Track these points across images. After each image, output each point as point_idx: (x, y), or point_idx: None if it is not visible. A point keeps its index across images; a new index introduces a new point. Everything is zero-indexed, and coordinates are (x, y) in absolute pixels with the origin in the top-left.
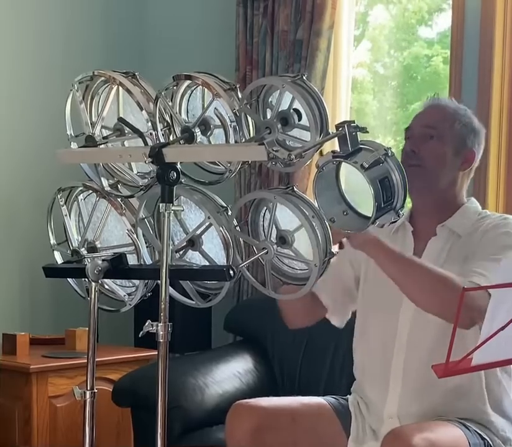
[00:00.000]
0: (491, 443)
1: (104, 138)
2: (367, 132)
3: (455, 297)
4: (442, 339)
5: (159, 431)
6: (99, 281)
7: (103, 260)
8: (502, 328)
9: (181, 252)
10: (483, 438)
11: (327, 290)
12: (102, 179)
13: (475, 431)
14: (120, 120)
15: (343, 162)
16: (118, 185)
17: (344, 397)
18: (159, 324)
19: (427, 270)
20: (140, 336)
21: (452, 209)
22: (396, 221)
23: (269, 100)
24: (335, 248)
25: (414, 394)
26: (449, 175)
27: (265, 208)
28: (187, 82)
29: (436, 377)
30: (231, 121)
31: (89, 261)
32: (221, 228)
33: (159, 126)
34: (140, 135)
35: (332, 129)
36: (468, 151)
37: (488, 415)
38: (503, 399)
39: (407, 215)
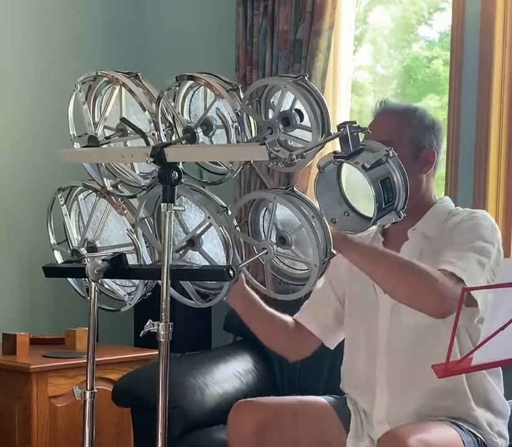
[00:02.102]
0: (484, 440)
1: (106, 138)
2: (369, 133)
3: (422, 283)
4: (418, 342)
5: (159, 431)
6: (99, 281)
7: (103, 260)
8: (502, 328)
9: (181, 252)
10: (475, 436)
11: (318, 320)
12: (104, 179)
13: (468, 429)
14: (123, 120)
15: (344, 163)
16: (119, 185)
17: (343, 396)
18: (160, 323)
19: (393, 259)
20: (141, 335)
21: (420, 212)
22: (396, 221)
23: (271, 100)
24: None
25: (400, 399)
26: (412, 180)
27: (265, 208)
28: (190, 82)
29: (418, 380)
30: (233, 122)
31: (89, 260)
32: (221, 228)
33: (161, 126)
34: (143, 135)
35: (333, 129)
36: (427, 151)
37: (475, 411)
38: (488, 393)
39: (379, 226)
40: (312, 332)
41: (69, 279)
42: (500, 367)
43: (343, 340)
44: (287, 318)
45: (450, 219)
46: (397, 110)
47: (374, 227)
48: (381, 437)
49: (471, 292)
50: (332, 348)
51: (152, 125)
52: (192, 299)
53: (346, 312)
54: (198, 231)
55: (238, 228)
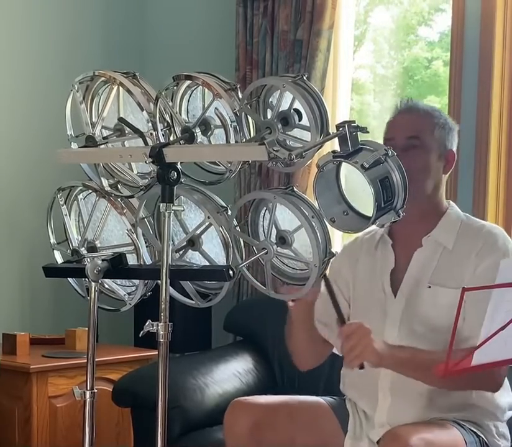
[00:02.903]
0: (486, 440)
1: (104, 138)
2: (367, 132)
3: (476, 384)
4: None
5: (159, 431)
6: (99, 281)
7: (103, 260)
8: (503, 328)
9: (181, 252)
10: (478, 436)
11: (329, 326)
12: (102, 179)
13: (470, 429)
14: (121, 120)
15: (343, 162)
16: (118, 185)
17: (342, 397)
18: (159, 324)
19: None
20: (140, 335)
21: (436, 216)
22: (396, 221)
23: (270, 100)
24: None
25: (403, 403)
26: (434, 181)
27: (265, 208)
28: (188, 82)
29: (421, 384)
30: (231, 122)
31: (89, 260)
32: (221, 228)
33: (159, 126)
34: (141, 135)
35: (332, 129)
36: (449, 152)
37: (478, 412)
38: (492, 397)
39: (386, 227)
40: (325, 338)
41: (69, 279)
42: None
43: None
44: None
45: (465, 232)
46: (425, 109)
47: (374, 227)
48: (383, 437)
49: None
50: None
51: (150, 124)
52: (192, 299)
53: (351, 313)
54: (198, 231)
55: (238, 228)
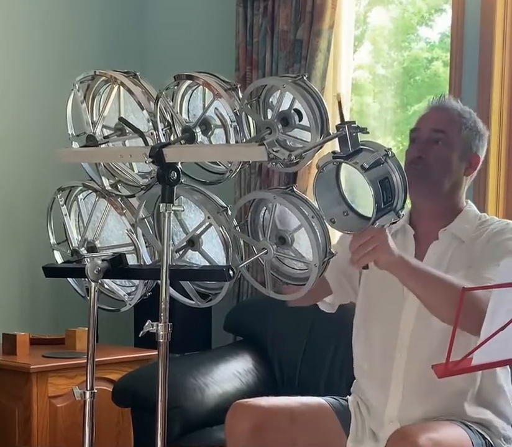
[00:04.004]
0: (492, 443)
1: (105, 137)
2: (367, 133)
3: (473, 308)
4: (445, 343)
5: (159, 431)
6: (99, 281)
7: (103, 260)
8: (502, 328)
9: (180, 252)
10: (484, 438)
11: (333, 272)
12: (102, 178)
13: (477, 430)
14: (121, 119)
15: (343, 163)
16: (119, 185)
17: (344, 398)
18: (159, 324)
19: (449, 285)
20: (140, 336)
21: (453, 213)
22: (395, 222)
23: (270, 100)
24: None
25: (415, 399)
26: (454, 180)
27: (265, 208)
28: (188, 82)
29: (436, 384)
30: (232, 122)
31: (89, 260)
32: (221, 228)
33: (160, 126)
34: (141, 134)
35: (332, 130)
36: (473, 155)
37: (486, 416)
38: (500, 398)
39: (407, 218)
40: (328, 281)
41: (69, 279)
42: (509, 370)
43: (350, 338)
44: None
45: (484, 225)
46: (457, 108)
47: (399, 222)
48: (391, 436)
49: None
50: (333, 311)
51: (150, 124)
52: (192, 299)
53: (360, 306)
54: (198, 231)
55: (238, 228)
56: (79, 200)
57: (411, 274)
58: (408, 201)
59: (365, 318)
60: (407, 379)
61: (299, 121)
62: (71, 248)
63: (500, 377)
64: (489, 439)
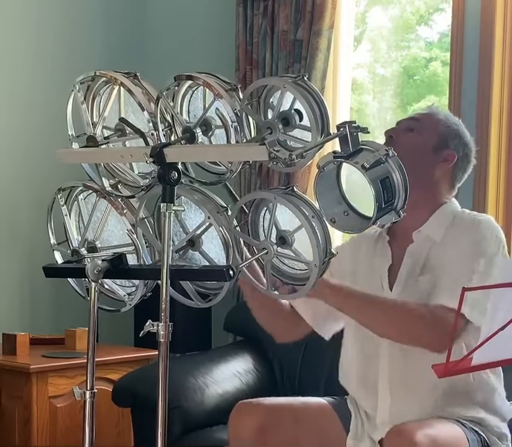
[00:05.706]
0: (487, 440)
1: (105, 138)
2: (368, 133)
3: (410, 322)
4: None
5: (159, 431)
6: (99, 281)
7: (103, 260)
8: (502, 328)
9: (181, 252)
10: (479, 434)
11: (309, 305)
12: (103, 179)
13: (472, 428)
14: (122, 120)
15: (344, 163)
16: (119, 186)
17: (344, 398)
18: (160, 324)
19: (376, 302)
20: (140, 335)
21: (429, 209)
22: (396, 221)
23: (271, 100)
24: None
25: (403, 401)
26: (426, 170)
27: (265, 208)
28: (189, 82)
29: (420, 382)
30: (232, 122)
31: (89, 261)
32: (221, 228)
33: (160, 126)
34: (141, 135)
35: (333, 129)
36: (449, 151)
37: (479, 413)
38: (492, 395)
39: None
40: (302, 316)
41: (69, 279)
42: (501, 370)
43: (342, 337)
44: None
45: (454, 224)
46: (442, 113)
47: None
48: (388, 433)
49: (470, 317)
50: (327, 338)
51: (151, 125)
52: (192, 299)
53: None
54: (198, 231)
55: (238, 228)
56: (80, 200)
57: (348, 298)
58: None
59: (347, 331)
60: (392, 384)
61: (300, 121)
62: (72, 248)
63: (492, 377)
64: (484, 435)
